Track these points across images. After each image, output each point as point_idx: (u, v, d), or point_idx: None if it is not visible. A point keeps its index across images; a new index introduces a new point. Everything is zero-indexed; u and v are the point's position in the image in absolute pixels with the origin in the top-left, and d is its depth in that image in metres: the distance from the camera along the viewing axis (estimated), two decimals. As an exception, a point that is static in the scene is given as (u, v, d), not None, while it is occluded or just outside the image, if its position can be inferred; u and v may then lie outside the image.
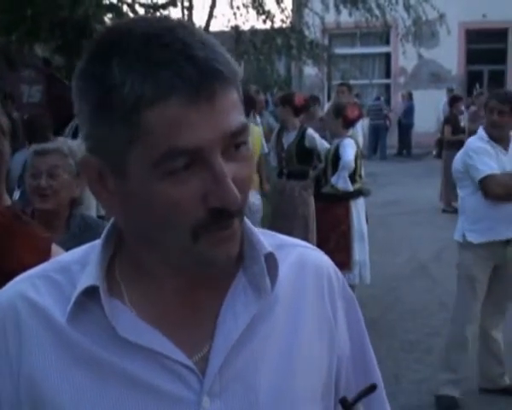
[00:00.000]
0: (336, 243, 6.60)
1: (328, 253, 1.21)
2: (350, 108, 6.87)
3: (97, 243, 1.06)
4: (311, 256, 1.16)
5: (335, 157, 6.76)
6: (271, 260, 1.05)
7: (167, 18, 0.99)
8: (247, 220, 1.08)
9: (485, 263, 4.90)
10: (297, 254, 1.14)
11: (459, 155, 5.07)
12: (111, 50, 0.93)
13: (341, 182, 6.67)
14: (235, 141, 0.95)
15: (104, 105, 0.93)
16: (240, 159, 0.96)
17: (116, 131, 0.93)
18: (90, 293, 1.00)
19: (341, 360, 1.13)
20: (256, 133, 7.44)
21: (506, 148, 4.92)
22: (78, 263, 1.05)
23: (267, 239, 1.09)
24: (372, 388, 1.11)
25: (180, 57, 0.91)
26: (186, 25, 0.96)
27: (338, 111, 6.79)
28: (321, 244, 6.13)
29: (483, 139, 4.93)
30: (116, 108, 0.91)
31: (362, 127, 10.04)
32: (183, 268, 1.01)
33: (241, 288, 1.05)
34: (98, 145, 0.97)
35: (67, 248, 2.42)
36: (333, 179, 6.74)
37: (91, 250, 1.06)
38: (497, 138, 4.89)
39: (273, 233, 1.16)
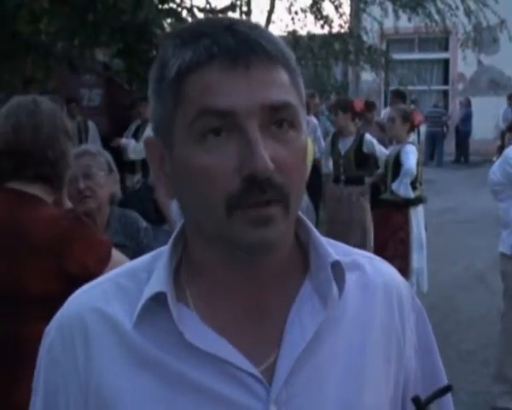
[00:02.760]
0: (394, 250, 6.52)
1: (385, 260, 1.19)
2: (415, 114, 6.86)
3: (164, 249, 1.06)
4: (379, 268, 1.14)
5: (396, 163, 6.68)
6: (338, 269, 1.03)
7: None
8: (314, 229, 1.07)
9: None
10: (365, 265, 1.12)
11: (496, 166, 4.98)
12: (173, 37, 1.00)
13: (403, 189, 6.59)
14: (276, 117, 0.94)
15: (159, 79, 0.99)
16: (282, 139, 0.95)
17: (165, 101, 0.98)
18: (157, 299, 0.99)
19: (409, 374, 1.11)
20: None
21: None
22: (146, 270, 1.05)
23: (334, 248, 1.07)
24: (447, 388, 1.09)
25: (222, 29, 0.95)
26: (245, 20, 1.01)
27: (406, 116, 6.74)
28: (378, 251, 6.09)
29: None
30: (166, 78, 0.97)
31: (417, 133, 9.96)
32: (216, 249, 0.99)
33: (308, 296, 1.03)
34: (156, 121, 1.01)
35: (113, 244, 2.46)
36: (394, 186, 6.64)
37: (158, 257, 1.06)
38: None
39: (340, 243, 1.14)
